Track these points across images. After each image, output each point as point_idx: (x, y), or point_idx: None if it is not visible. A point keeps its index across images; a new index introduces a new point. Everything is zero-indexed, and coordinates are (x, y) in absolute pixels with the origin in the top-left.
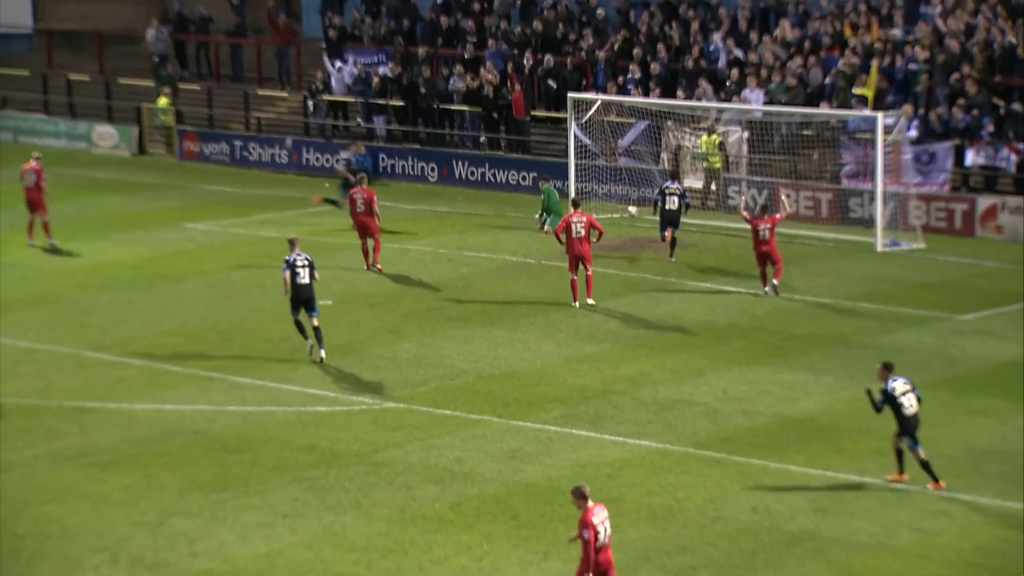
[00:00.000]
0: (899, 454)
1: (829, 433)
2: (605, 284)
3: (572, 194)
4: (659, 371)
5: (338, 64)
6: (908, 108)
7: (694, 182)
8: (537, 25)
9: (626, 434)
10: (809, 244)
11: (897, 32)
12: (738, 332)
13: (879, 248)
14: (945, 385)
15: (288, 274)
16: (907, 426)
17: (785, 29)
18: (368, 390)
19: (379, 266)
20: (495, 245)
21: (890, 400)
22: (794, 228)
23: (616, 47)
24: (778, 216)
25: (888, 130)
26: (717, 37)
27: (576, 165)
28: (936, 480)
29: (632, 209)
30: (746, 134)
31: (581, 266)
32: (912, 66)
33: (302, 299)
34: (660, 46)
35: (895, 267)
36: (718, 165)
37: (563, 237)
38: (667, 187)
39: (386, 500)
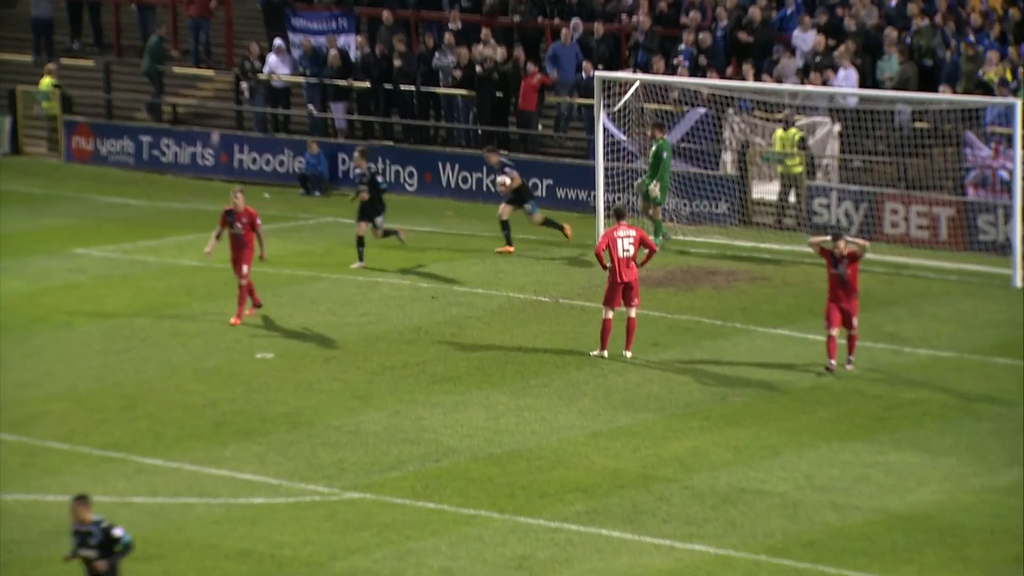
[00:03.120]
0: None
1: (951, 535)
2: (646, 330)
3: (600, 206)
4: (719, 450)
5: (288, 38)
6: None
7: (766, 192)
8: None
9: (674, 536)
10: (924, 277)
11: None
12: (826, 397)
13: (1018, 283)
14: None
15: None
16: None
17: None
18: (323, 475)
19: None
20: (495, 278)
21: None
22: (904, 255)
23: (660, 10)
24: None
25: None
26: None
27: (606, 169)
28: None
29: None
30: (836, 127)
31: (623, 302)
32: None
33: None
34: (720, 10)
35: None
36: (799, 169)
37: (607, 257)
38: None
39: None
